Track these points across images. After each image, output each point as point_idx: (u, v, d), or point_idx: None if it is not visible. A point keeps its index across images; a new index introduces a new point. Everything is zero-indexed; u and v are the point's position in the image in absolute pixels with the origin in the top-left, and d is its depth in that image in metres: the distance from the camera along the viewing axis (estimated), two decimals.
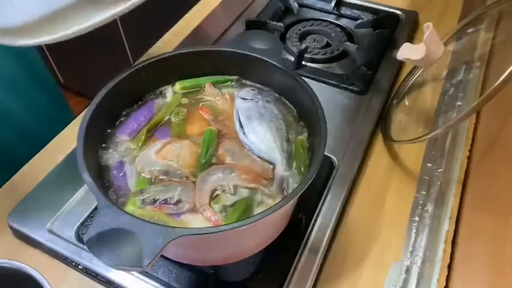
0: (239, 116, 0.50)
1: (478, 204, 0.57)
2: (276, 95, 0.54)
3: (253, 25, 0.85)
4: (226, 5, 0.94)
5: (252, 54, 0.52)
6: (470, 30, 0.73)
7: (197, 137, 0.49)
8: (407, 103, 0.74)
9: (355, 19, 0.90)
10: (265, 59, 0.51)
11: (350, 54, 0.81)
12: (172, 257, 0.49)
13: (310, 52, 0.81)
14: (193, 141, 0.49)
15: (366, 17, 0.90)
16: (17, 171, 0.62)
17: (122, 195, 0.44)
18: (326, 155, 0.63)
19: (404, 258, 0.54)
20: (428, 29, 0.57)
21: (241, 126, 0.49)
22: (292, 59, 0.78)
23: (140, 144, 0.48)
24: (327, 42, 0.84)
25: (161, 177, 0.45)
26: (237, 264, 0.48)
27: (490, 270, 0.44)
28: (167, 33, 0.88)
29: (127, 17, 1.33)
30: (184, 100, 0.53)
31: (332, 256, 0.55)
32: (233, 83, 0.55)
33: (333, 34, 0.85)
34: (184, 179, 0.45)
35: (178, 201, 0.43)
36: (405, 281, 0.52)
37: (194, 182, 0.45)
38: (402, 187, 0.62)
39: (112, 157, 0.47)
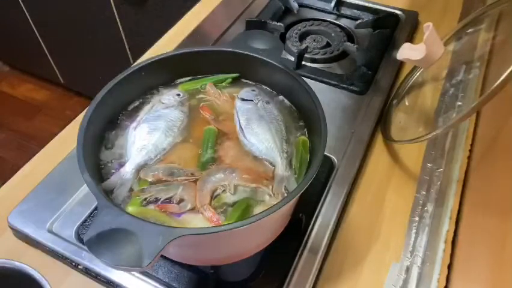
0: (239, 118, 0.50)
1: (478, 204, 0.57)
2: (276, 95, 0.54)
3: (253, 25, 0.85)
4: (226, 5, 0.94)
5: (252, 54, 0.52)
6: (470, 30, 0.73)
7: (198, 137, 0.49)
8: (407, 103, 0.74)
9: (355, 19, 0.90)
10: (265, 59, 0.51)
11: (350, 54, 0.81)
12: (172, 257, 0.49)
13: (310, 52, 0.81)
14: (194, 142, 0.49)
15: (366, 17, 0.90)
16: None
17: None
18: (326, 155, 0.63)
19: (404, 258, 0.54)
20: (428, 29, 0.57)
21: (241, 127, 0.49)
22: (292, 59, 0.78)
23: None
24: (327, 42, 0.84)
25: (165, 178, 0.45)
26: (237, 264, 0.48)
27: (490, 269, 0.44)
28: (167, 33, 0.88)
29: (127, 17, 1.33)
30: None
31: (332, 256, 0.55)
32: (233, 82, 0.55)
33: (333, 34, 0.85)
34: (190, 175, 0.45)
35: (181, 201, 0.43)
36: (405, 281, 0.52)
37: (195, 182, 0.45)
38: (402, 187, 0.62)
39: (112, 157, 0.47)
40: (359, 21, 0.88)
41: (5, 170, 1.70)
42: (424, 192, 0.61)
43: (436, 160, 0.65)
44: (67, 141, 0.66)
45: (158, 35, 0.86)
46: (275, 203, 0.39)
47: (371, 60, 0.78)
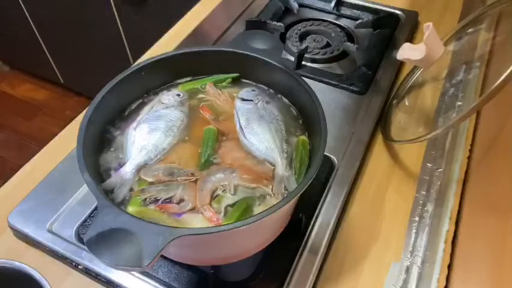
0: (239, 118, 0.50)
1: (478, 204, 0.57)
2: (276, 95, 0.54)
3: (253, 25, 0.85)
4: (226, 5, 0.94)
5: (252, 54, 0.52)
6: (470, 30, 0.73)
7: (198, 137, 0.49)
8: (407, 103, 0.74)
9: (355, 19, 0.90)
10: (265, 59, 0.51)
11: (350, 54, 0.81)
12: (172, 257, 0.49)
13: (311, 52, 0.81)
14: (194, 142, 0.49)
15: (366, 17, 0.90)
16: None
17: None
18: (326, 155, 0.63)
19: (404, 258, 0.54)
20: (428, 29, 0.57)
21: (241, 127, 0.49)
22: (292, 59, 0.78)
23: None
24: (327, 42, 0.84)
25: (165, 178, 0.45)
26: (237, 264, 0.48)
27: (490, 269, 0.44)
28: (167, 33, 0.88)
29: (127, 17, 1.34)
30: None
31: (332, 256, 0.55)
32: (233, 82, 0.55)
33: (333, 34, 0.85)
34: (190, 175, 0.45)
35: (181, 201, 0.43)
36: (405, 281, 0.52)
37: (195, 182, 0.45)
38: (402, 187, 0.62)
39: (112, 157, 0.47)
40: (359, 21, 0.88)
41: (5, 170, 1.70)
42: (424, 192, 0.61)
43: (436, 160, 0.65)
44: (67, 141, 0.66)
45: (158, 35, 0.86)
46: (275, 203, 0.39)
47: (371, 60, 0.78)
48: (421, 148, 0.67)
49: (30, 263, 0.42)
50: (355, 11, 0.93)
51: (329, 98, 0.73)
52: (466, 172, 0.63)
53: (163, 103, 0.51)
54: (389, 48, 0.82)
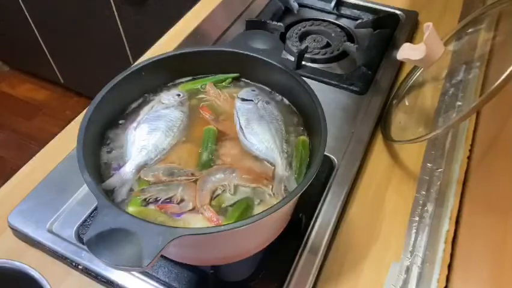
0: (239, 118, 0.50)
1: (478, 204, 0.57)
2: (276, 95, 0.54)
3: (253, 25, 0.85)
4: (226, 5, 0.94)
5: (252, 54, 0.52)
6: (470, 30, 0.73)
7: (198, 137, 0.49)
8: (407, 103, 0.74)
9: (355, 19, 0.90)
10: (265, 59, 0.51)
11: (350, 54, 0.81)
12: (172, 257, 0.49)
13: (311, 52, 0.81)
14: (194, 142, 0.49)
15: (366, 17, 0.90)
16: None
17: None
18: (326, 155, 0.63)
19: (404, 258, 0.54)
20: (428, 29, 0.57)
21: (241, 127, 0.49)
22: (292, 59, 0.78)
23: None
24: (327, 42, 0.84)
25: (165, 178, 0.45)
26: (237, 264, 0.48)
27: (490, 269, 0.44)
28: (167, 33, 0.88)
29: (127, 17, 1.34)
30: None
31: (332, 256, 0.55)
32: (233, 82, 0.55)
33: (333, 34, 0.85)
34: (190, 175, 0.45)
35: (181, 201, 0.43)
36: (405, 281, 0.52)
37: (195, 182, 0.45)
38: (402, 187, 0.62)
39: (112, 157, 0.47)
40: (359, 21, 0.88)
41: (5, 170, 1.70)
42: (424, 192, 0.61)
43: (436, 160, 0.65)
44: (67, 141, 0.66)
45: (158, 35, 0.86)
46: (275, 203, 0.39)
47: (371, 60, 0.78)
48: (421, 148, 0.67)
49: (30, 263, 0.42)
50: (355, 11, 0.93)
51: (329, 98, 0.73)
52: (466, 172, 0.63)
53: (163, 103, 0.51)
54: (389, 48, 0.82)
